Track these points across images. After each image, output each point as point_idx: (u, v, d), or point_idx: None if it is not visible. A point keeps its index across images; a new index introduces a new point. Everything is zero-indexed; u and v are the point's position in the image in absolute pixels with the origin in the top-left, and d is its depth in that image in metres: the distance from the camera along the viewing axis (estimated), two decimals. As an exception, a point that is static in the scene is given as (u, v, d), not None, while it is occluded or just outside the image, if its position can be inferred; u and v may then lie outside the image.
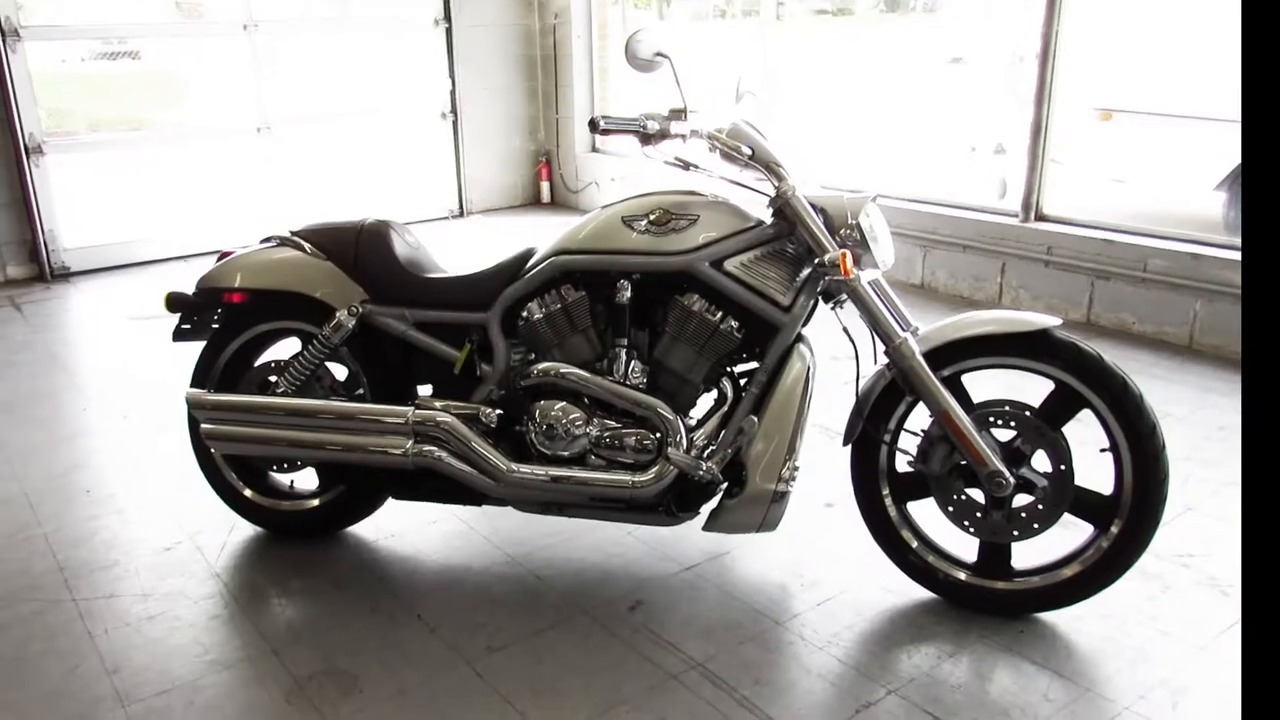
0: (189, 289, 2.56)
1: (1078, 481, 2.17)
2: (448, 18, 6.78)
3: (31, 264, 5.45)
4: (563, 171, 7.46)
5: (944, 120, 7.56)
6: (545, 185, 7.56)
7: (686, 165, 2.24)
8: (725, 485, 2.26)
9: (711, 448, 2.24)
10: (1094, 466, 2.18)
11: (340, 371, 2.57)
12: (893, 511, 2.30)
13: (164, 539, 2.65)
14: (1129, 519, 2.13)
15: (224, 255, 2.58)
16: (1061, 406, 2.17)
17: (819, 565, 2.46)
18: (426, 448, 2.29)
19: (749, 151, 2.24)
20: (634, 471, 2.25)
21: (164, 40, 6.40)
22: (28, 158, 5.28)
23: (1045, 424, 2.15)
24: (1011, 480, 2.12)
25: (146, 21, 6.34)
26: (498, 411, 2.34)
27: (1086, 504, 2.19)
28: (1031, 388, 2.18)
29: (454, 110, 6.99)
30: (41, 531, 2.70)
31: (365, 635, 2.22)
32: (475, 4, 6.86)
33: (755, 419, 2.19)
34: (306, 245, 2.49)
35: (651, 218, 2.26)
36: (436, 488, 2.40)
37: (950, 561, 2.29)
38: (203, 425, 2.44)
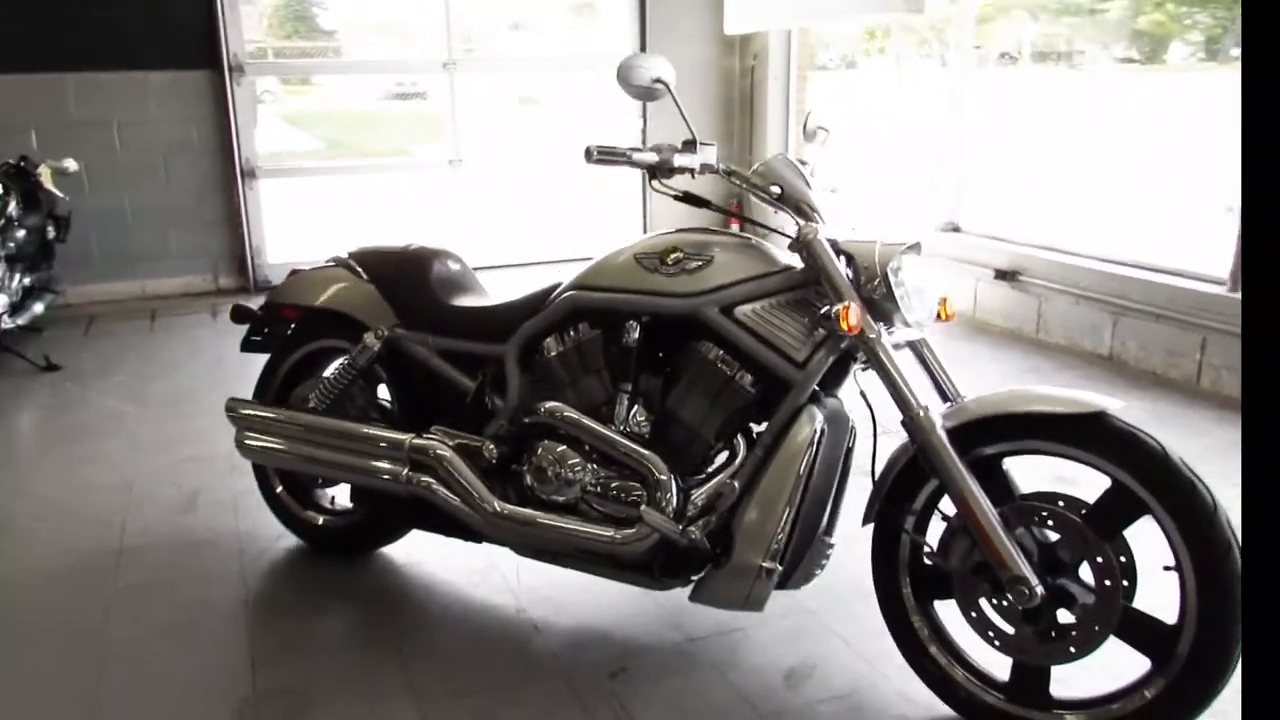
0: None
1: (1139, 603, 1.80)
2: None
3: (240, 276, 6.09)
4: (752, 214, 7.36)
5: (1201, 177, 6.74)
6: (735, 229, 7.49)
7: (697, 202, 2.10)
8: (717, 553, 2.07)
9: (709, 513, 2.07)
10: (1164, 584, 1.79)
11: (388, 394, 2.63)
12: (912, 608, 2.02)
13: (218, 539, 2.81)
14: (1190, 657, 1.73)
15: (295, 272, 2.72)
16: (1116, 509, 1.81)
17: (837, 657, 2.20)
18: (422, 477, 2.28)
19: (777, 191, 2.07)
20: (620, 527, 2.11)
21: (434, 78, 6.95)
22: (243, 181, 5.92)
23: (1094, 528, 1.80)
24: (1038, 591, 1.79)
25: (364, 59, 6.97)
26: (501, 448, 2.29)
27: (1141, 631, 1.81)
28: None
29: (643, 131, 7.10)
30: (119, 519, 2.95)
31: (344, 661, 2.23)
32: (673, 41, 6.94)
33: (734, 483, 2.00)
34: (356, 267, 2.58)
35: (665, 257, 2.14)
36: (438, 520, 2.38)
37: (978, 677, 1.96)
38: (235, 431, 2.57)
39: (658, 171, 2.09)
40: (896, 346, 2.09)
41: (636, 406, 2.17)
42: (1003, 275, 4.97)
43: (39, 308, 4.75)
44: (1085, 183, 6.81)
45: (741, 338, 2.03)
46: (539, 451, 2.22)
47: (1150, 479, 1.74)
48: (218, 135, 5.84)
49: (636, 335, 2.15)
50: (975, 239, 5.38)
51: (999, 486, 1.91)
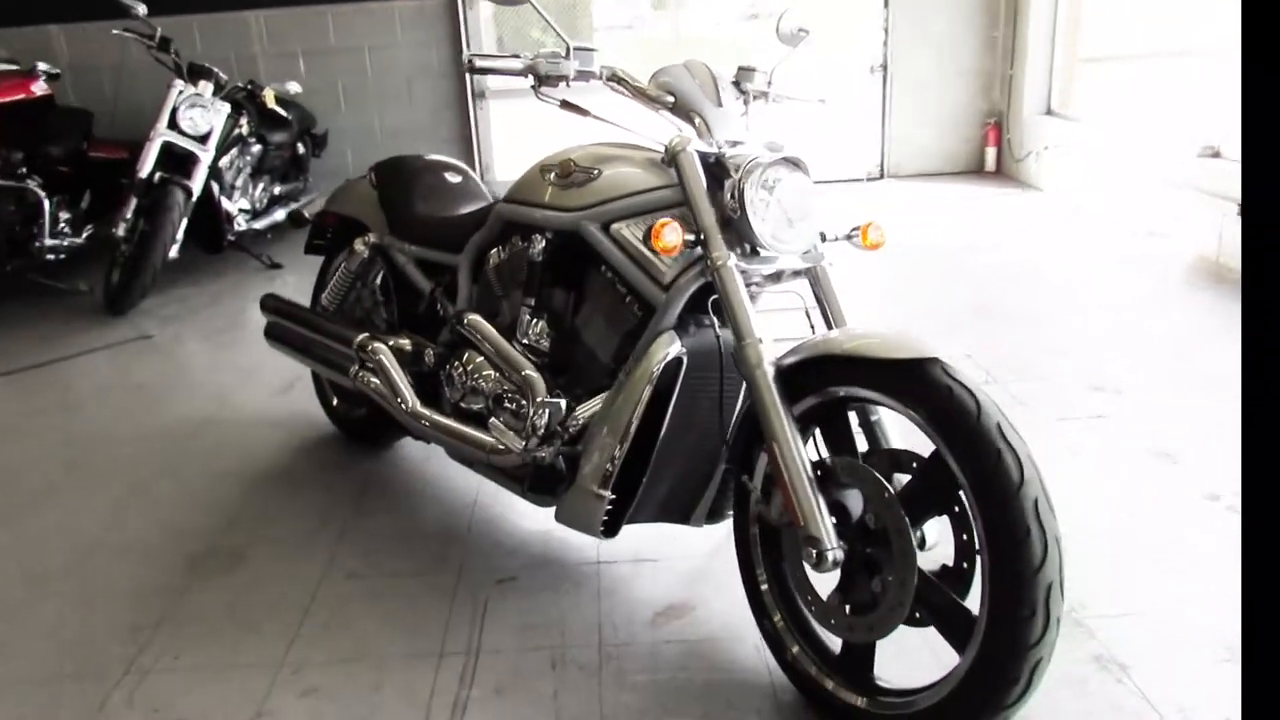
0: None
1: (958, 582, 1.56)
2: (886, -43, 6.46)
3: (471, 192, 6.64)
4: (1010, 136, 6.67)
5: None
6: (990, 151, 6.84)
7: (575, 109, 2.03)
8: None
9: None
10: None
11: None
12: (758, 559, 1.88)
13: (284, 420, 3.23)
14: (980, 654, 1.47)
15: (345, 182, 3.00)
16: (931, 477, 1.56)
17: (721, 604, 2.10)
18: (365, 374, 2.47)
19: (670, 100, 1.97)
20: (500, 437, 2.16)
21: None
22: (474, 102, 6.41)
23: (911, 498, 1.58)
24: (829, 554, 1.60)
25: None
26: (439, 353, 2.41)
27: (945, 618, 1.56)
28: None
29: (885, 63, 6.66)
30: (220, 415, 3.47)
31: (293, 530, 2.50)
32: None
33: (566, 404, 1.96)
34: (373, 178, 2.79)
35: (561, 170, 2.12)
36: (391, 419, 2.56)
37: (811, 645, 1.80)
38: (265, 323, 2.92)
39: (540, 81, 2.05)
40: (796, 273, 1.94)
41: (541, 323, 2.18)
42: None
43: (280, 214, 5.55)
44: None
45: (614, 255, 1.98)
46: (462, 359, 2.32)
47: (957, 442, 1.48)
48: (454, 59, 6.36)
49: (539, 249, 2.15)
50: (1238, 166, 4.51)
51: (842, 437, 1.72)
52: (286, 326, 2.78)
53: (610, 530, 1.98)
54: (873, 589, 1.62)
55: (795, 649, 1.79)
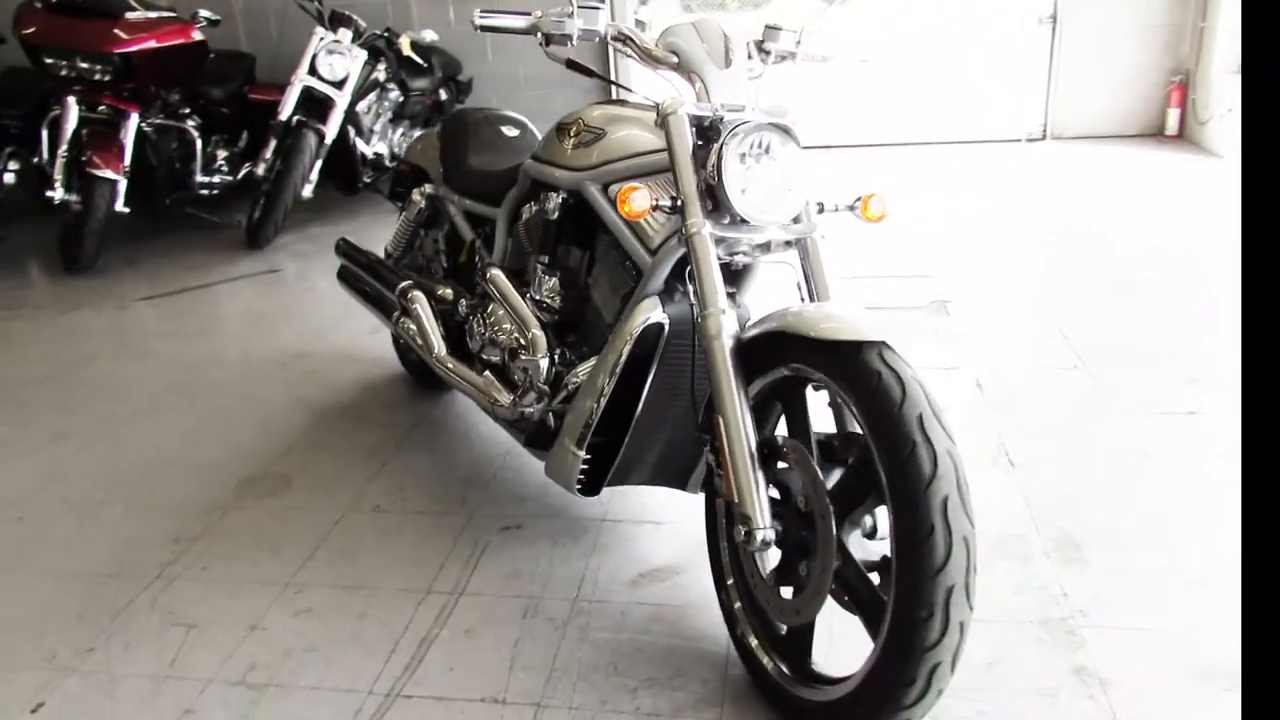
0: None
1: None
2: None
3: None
4: (1195, 96, 6.09)
5: None
6: (1173, 113, 6.26)
7: (579, 69, 2.04)
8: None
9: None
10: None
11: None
12: (721, 530, 1.88)
13: (360, 358, 3.44)
14: (883, 651, 1.43)
15: (423, 133, 3.14)
16: (863, 463, 1.52)
17: (703, 572, 2.11)
18: (405, 320, 2.60)
19: (674, 60, 1.95)
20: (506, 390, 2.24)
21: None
22: (614, 52, 6.42)
23: (845, 488, 1.54)
24: (759, 535, 1.58)
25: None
26: (472, 303, 2.50)
27: (862, 603, 1.52)
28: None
29: (1054, 14, 6.20)
30: (313, 349, 3.72)
31: (338, 464, 2.68)
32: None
33: (543, 363, 2.00)
34: (440, 129, 2.90)
35: (572, 128, 2.14)
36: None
37: (760, 622, 1.79)
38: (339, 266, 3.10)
39: (547, 40, 2.06)
40: (787, 244, 1.90)
41: (553, 281, 2.23)
42: None
43: (417, 157, 5.79)
44: None
45: (610, 216, 2.00)
46: (485, 311, 2.40)
47: (878, 430, 1.44)
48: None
49: (553, 206, 2.20)
50: None
51: (799, 416, 1.69)
52: (353, 270, 2.96)
53: (588, 488, 2.03)
54: (799, 572, 1.60)
55: (745, 624, 1.79)
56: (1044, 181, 5.48)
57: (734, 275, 1.97)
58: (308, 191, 4.91)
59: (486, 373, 2.31)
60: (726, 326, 1.69)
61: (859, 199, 1.92)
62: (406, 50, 5.22)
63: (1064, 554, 2.13)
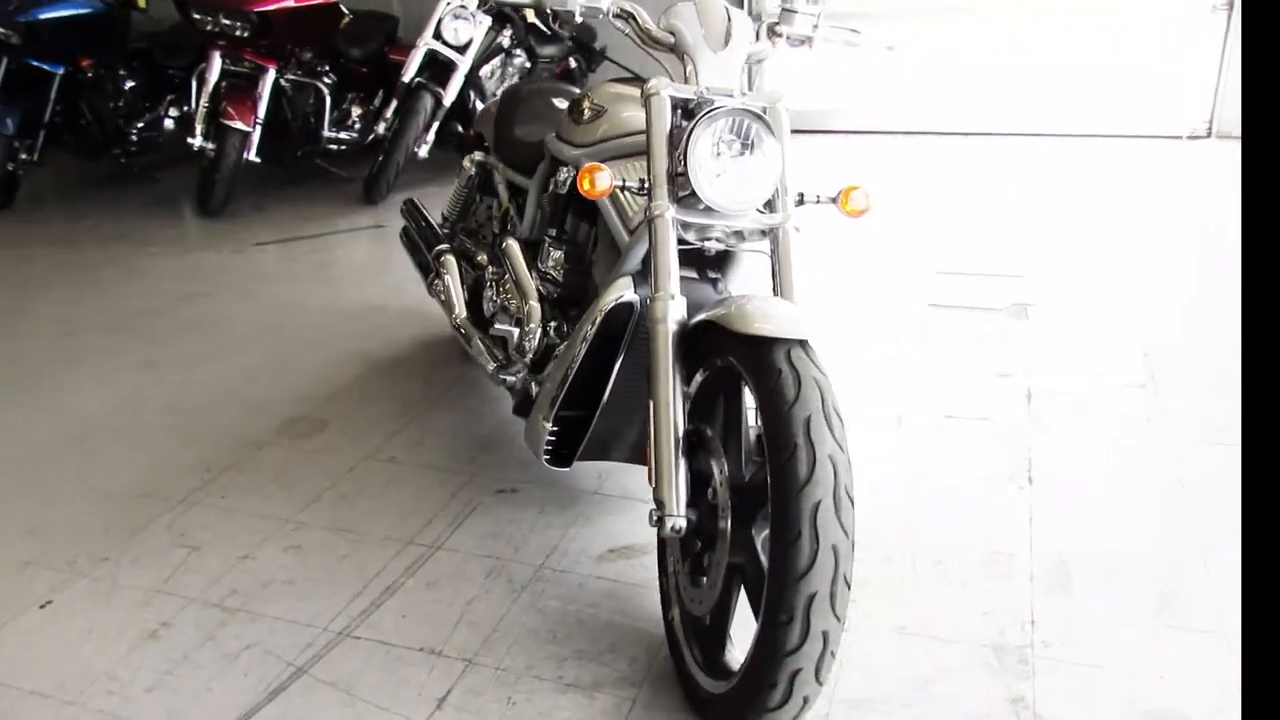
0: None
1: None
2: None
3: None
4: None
5: None
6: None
7: (583, 49, 2.06)
8: (535, 402, 2.16)
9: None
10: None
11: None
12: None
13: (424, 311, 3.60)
14: (754, 646, 1.43)
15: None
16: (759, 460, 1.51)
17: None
18: (438, 283, 2.71)
19: (671, 41, 1.96)
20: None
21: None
22: (749, 23, 6.36)
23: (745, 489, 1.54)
24: (670, 521, 1.58)
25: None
26: (494, 271, 2.59)
27: (754, 596, 1.52)
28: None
29: (1231, 1, 5.70)
30: (387, 303, 3.91)
31: (373, 412, 2.84)
32: None
33: (514, 333, 2.06)
34: (500, 98, 2.99)
35: (580, 104, 2.18)
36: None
37: (690, 609, 1.80)
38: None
39: (554, 15, 2.10)
40: (763, 232, 1.88)
41: (559, 254, 2.29)
42: None
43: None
44: None
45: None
46: (500, 280, 2.49)
47: (767, 429, 1.43)
48: (735, -21, 6.37)
49: (563, 180, 2.25)
50: None
51: (734, 408, 1.69)
52: (410, 231, 3.11)
53: (557, 460, 2.08)
54: (703, 564, 1.61)
55: (675, 609, 1.81)
56: (1198, 184, 5.07)
57: (717, 260, 1.97)
58: (424, 152, 5.12)
59: (476, 340, 2.40)
60: (673, 312, 1.70)
61: (840, 191, 1.87)
62: (532, 17, 5.34)
63: (1050, 580, 2.04)
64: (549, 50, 5.84)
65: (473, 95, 5.37)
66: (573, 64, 6.12)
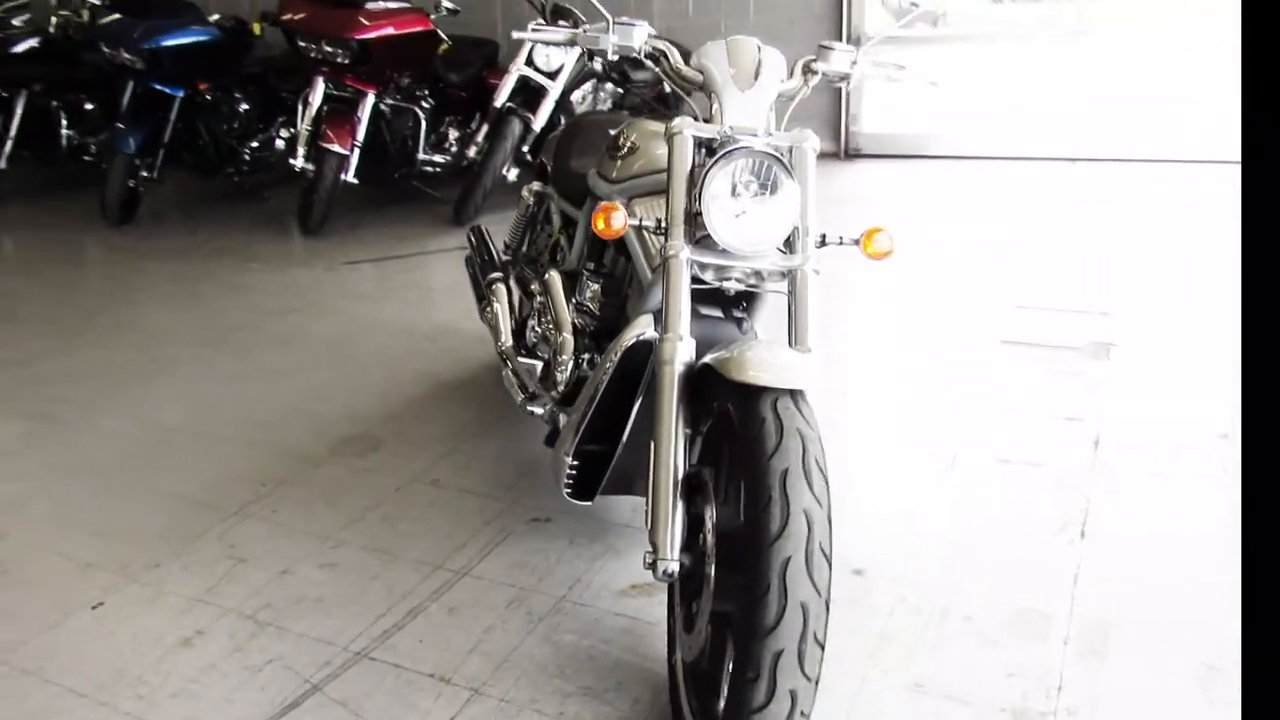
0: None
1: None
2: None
3: (835, 142, 6.59)
4: None
5: None
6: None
7: (624, 82, 2.07)
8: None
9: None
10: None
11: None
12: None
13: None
14: (727, 698, 1.41)
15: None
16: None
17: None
18: (488, 309, 2.76)
19: (700, 80, 1.97)
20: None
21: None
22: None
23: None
24: (661, 566, 1.57)
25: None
26: (542, 301, 2.62)
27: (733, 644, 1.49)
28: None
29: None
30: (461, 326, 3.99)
31: (421, 433, 2.92)
32: None
33: (537, 366, 2.08)
34: (563, 128, 3.04)
35: (618, 139, 2.20)
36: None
37: (683, 646, 1.78)
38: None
39: (589, 54, 2.13)
40: (783, 274, 1.87)
41: (596, 287, 2.32)
42: None
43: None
44: None
45: (629, 233, 2.05)
46: (544, 310, 2.52)
47: (745, 479, 1.41)
48: (834, 5, 6.31)
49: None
50: None
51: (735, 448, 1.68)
52: (472, 258, 3.18)
53: (579, 493, 2.09)
54: (692, 610, 1.60)
55: (678, 652, 1.80)
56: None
57: (742, 299, 1.96)
58: (512, 175, 5.24)
59: (507, 371, 2.44)
60: (680, 353, 1.70)
61: (863, 233, 1.84)
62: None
63: (1086, 642, 1.94)
64: (642, 75, 5.90)
65: (563, 120, 5.47)
66: (667, 89, 6.18)
